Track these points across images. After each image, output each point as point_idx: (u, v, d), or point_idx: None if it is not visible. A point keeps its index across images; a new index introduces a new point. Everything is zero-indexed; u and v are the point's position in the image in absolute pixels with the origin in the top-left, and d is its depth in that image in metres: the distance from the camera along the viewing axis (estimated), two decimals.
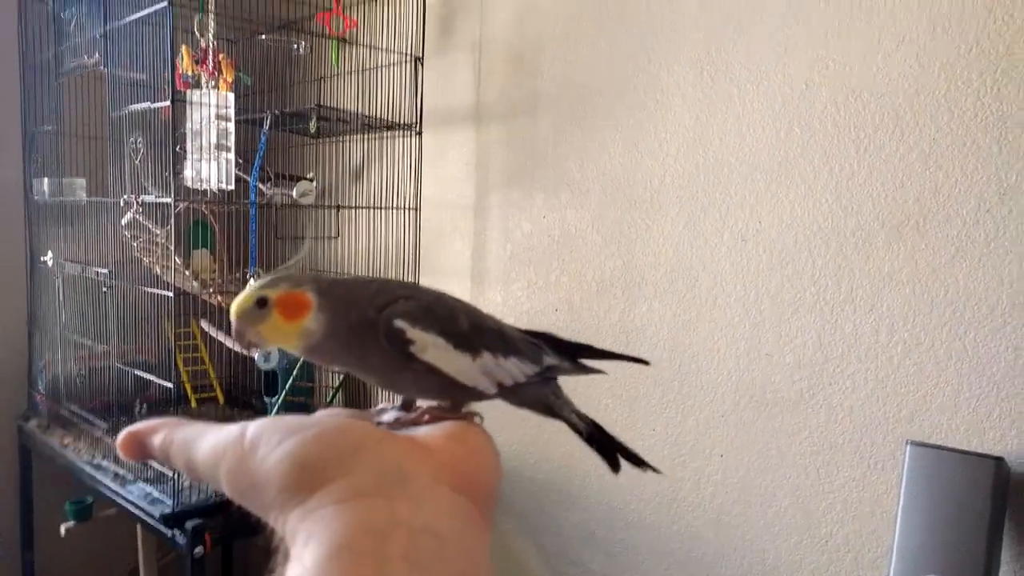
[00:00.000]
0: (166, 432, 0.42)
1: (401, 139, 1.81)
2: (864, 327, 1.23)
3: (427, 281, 1.88)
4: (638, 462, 0.57)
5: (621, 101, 1.52)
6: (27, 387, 2.12)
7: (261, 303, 0.46)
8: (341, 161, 2.02)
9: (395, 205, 1.83)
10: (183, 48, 1.61)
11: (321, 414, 0.42)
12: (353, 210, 1.89)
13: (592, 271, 1.58)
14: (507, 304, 1.74)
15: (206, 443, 0.40)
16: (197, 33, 1.67)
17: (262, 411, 2.04)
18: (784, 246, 1.31)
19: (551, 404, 0.56)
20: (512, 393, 0.52)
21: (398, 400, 0.51)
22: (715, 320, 1.40)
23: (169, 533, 1.51)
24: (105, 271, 1.73)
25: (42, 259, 1.97)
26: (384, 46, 1.81)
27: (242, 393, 2.18)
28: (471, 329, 0.50)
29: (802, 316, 1.30)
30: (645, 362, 0.60)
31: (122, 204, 1.64)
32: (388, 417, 0.47)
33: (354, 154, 2.00)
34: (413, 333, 0.47)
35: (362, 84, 1.86)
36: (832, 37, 1.23)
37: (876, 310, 1.22)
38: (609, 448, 0.57)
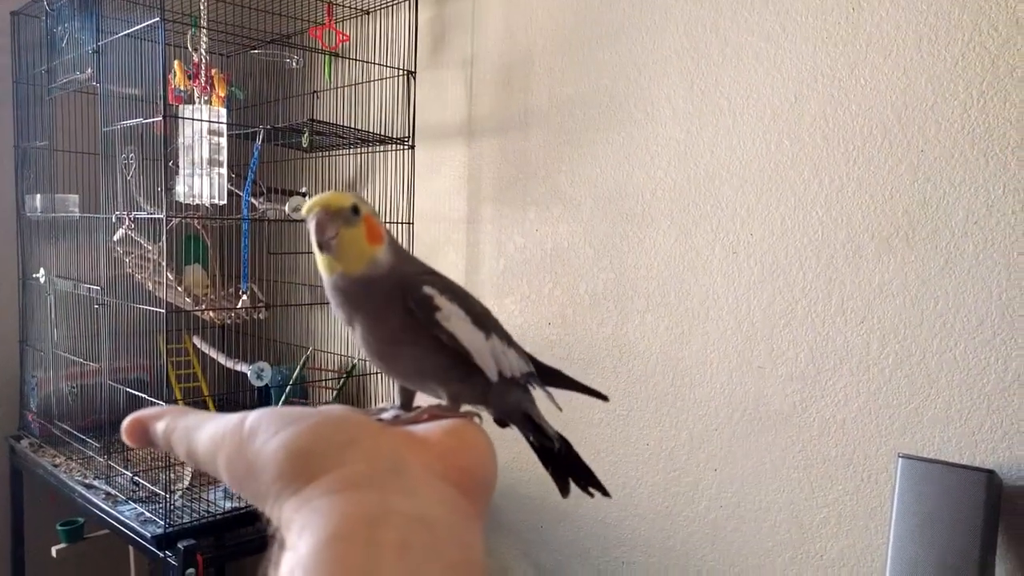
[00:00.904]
0: (169, 419, 0.42)
1: (394, 153, 1.81)
2: (855, 339, 1.23)
3: None
4: (597, 485, 0.58)
5: (611, 115, 1.52)
6: (19, 406, 2.10)
7: (355, 210, 0.47)
8: (334, 175, 2.02)
9: (388, 219, 1.83)
10: (176, 63, 1.61)
11: (321, 407, 0.42)
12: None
13: (585, 284, 1.58)
14: (501, 318, 1.73)
15: (207, 431, 0.40)
16: (190, 48, 1.67)
17: None
18: (775, 258, 1.31)
19: (530, 412, 0.58)
20: (502, 391, 0.54)
21: (398, 402, 0.53)
22: (707, 333, 1.40)
23: (161, 554, 1.49)
24: (97, 288, 1.73)
25: (34, 276, 1.97)
26: (377, 60, 1.82)
27: (235, 410, 2.16)
28: (483, 313, 0.53)
29: (794, 328, 1.29)
30: (604, 397, 0.61)
31: (114, 220, 1.64)
32: (387, 415, 0.48)
33: (347, 168, 2.00)
34: (440, 300, 0.49)
35: (355, 98, 1.87)
36: (820, 50, 1.24)
37: (867, 322, 1.21)
38: (565, 470, 0.59)
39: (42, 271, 1.93)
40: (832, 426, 1.26)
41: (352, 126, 1.79)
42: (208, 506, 1.59)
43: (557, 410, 0.58)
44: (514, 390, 0.55)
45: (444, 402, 0.50)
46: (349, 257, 0.48)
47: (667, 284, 1.45)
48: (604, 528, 1.57)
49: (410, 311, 0.48)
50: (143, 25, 1.51)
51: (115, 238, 1.64)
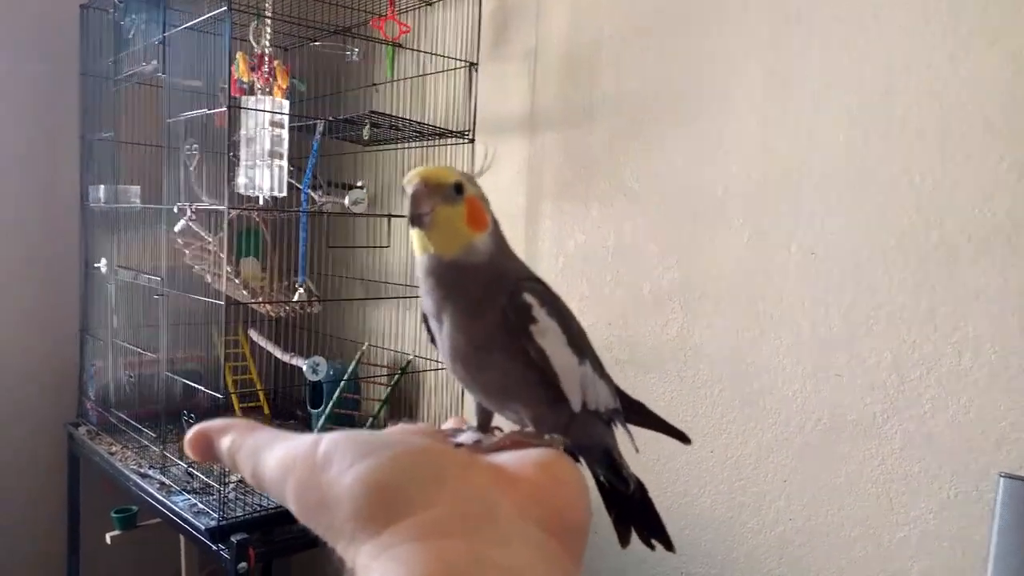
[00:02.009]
0: (235, 435, 0.39)
1: (453, 147, 1.78)
2: (946, 348, 1.15)
3: None
4: (663, 537, 0.53)
5: (682, 108, 1.46)
6: (78, 393, 2.13)
7: (459, 188, 0.44)
8: (393, 169, 2.00)
9: None
10: (239, 55, 1.60)
11: (398, 431, 0.38)
12: (404, 219, 1.86)
13: (649, 284, 1.52)
14: None
15: (276, 453, 0.36)
16: (252, 40, 1.67)
17: (307, 423, 2.02)
18: (858, 260, 1.24)
19: (611, 449, 0.52)
20: (585, 423, 0.49)
21: (475, 423, 0.48)
22: (780, 338, 1.33)
23: (214, 547, 1.49)
24: (157, 278, 1.73)
25: (95, 265, 1.99)
26: (438, 52, 1.79)
27: (288, 404, 2.17)
28: (580, 334, 0.49)
29: (876, 335, 1.22)
30: (687, 440, 0.56)
31: (175, 211, 1.64)
32: (466, 438, 0.43)
33: (406, 162, 1.98)
34: (539, 312, 0.45)
35: (415, 91, 1.84)
36: (916, 38, 1.16)
37: (960, 330, 1.14)
38: (631, 516, 0.53)
39: (104, 261, 1.95)
40: (916, 440, 1.18)
41: (412, 119, 1.77)
42: (260, 499, 1.58)
43: (634, 451, 0.54)
44: (597, 424, 0.51)
45: (527, 427, 0.46)
46: (444, 237, 0.44)
47: (738, 285, 1.39)
48: None
49: (507, 316, 0.45)
50: (209, 16, 1.51)
51: (176, 229, 1.64)
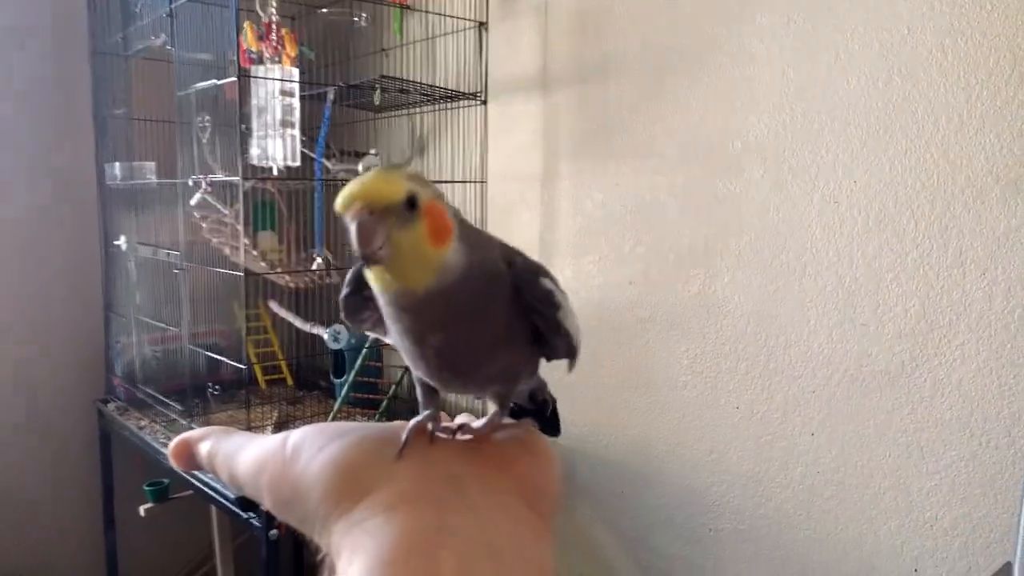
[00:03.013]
0: (212, 441, 0.40)
1: (466, 109, 1.76)
2: (975, 293, 1.13)
3: None
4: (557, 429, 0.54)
5: (698, 59, 1.43)
6: (104, 371, 2.16)
7: (411, 203, 0.35)
8: (405, 135, 1.98)
9: (461, 178, 1.78)
10: (246, 24, 1.59)
11: (367, 423, 0.39)
12: None
13: (669, 241, 1.50)
14: (578, 278, 1.67)
15: (248, 454, 0.38)
16: (259, 10, 1.65)
17: (330, 392, 2.03)
18: (883, 207, 1.21)
19: (543, 385, 0.53)
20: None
21: (427, 410, 0.45)
22: (805, 290, 1.31)
23: (244, 515, 1.51)
24: (176, 253, 1.74)
25: (115, 243, 2.00)
26: (447, 12, 1.76)
27: (311, 374, 2.18)
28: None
29: (903, 283, 1.20)
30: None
31: (191, 184, 1.64)
32: (456, 424, 0.42)
33: (419, 127, 1.96)
34: (559, 296, 0.41)
35: (425, 53, 1.82)
36: None
37: (989, 274, 1.11)
38: (548, 423, 0.54)
39: (123, 238, 1.96)
40: (947, 387, 1.16)
41: (423, 82, 1.74)
42: None
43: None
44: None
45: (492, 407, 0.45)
46: (409, 270, 0.36)
47: (760, 239, 1.37)
48: (689, 494, 1.51)
49: (519, 306, 0.40)
50: None
51: (192, 203, 1.64)
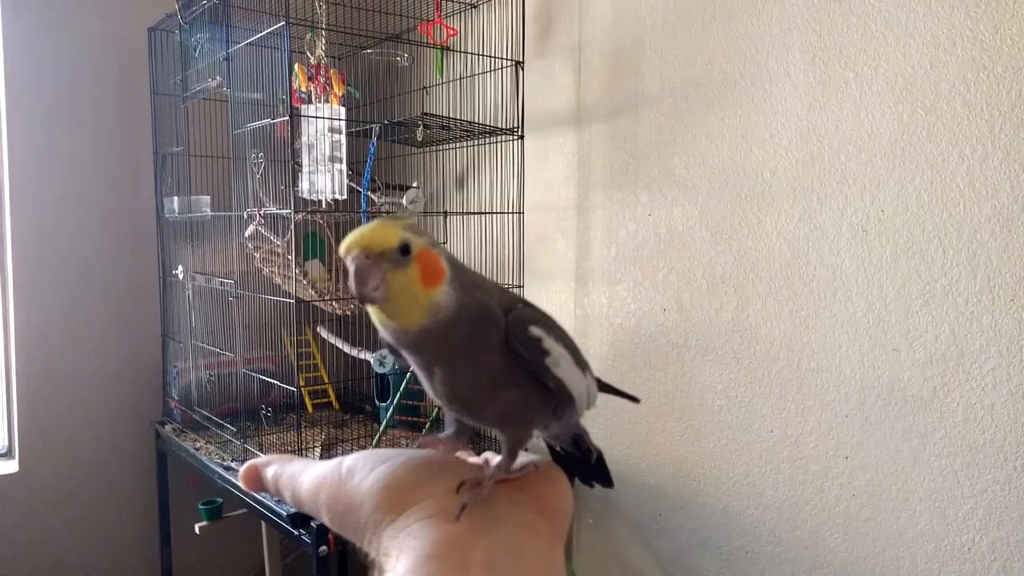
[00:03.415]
0: (277, 466, 0.48)
1: (503, 144, 1.83)
2: (1005, 319, 1.15)
3: (532, 284, 1.89)
4: (607, 481, 0.58)
5: (727, 94, 1.48)
6: (162, 394, 2.27)
7: (405, 249, 0.40)
8: (445, 168, 2.06)
9: (499, 209, 1.85)
10: (297, 66, 1.68)
11: (410, 449, 0.46)
12: (458, 216, 1.92)
13: (702, 269, 1.54)
14: (612, 305, 1.72)
15: (308, 476, 0.45)
16: (308, 51, 1.75)
17: (375, 416, 2.10)
18: (911, 235, 1.24)
19: (582, 432, 0.55)
20: (562, 420, 0.51)
21: (451, 430, 0.50)
22: (835, 315, 1.34)
23: (295, 532, 1.58)
24: (231, 282, 1.84)
25: (173, 272, 2.11)
26: (485, 52, 1.84)
27: (355, 399, 2.25)
28: (575, 346, 0.48)
29: (932, 309, 1.22)
30: (636, 400, 0.59)
31: (245, 217, 1.73)
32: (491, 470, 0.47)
33: (458, 161, 2.04)
34: (549, 344, 0.44)
35: (464, 91, 1.90)
36: (959, 10, 1.16)
37: (1018, 299, 1.13)
38: (593, 474, 0.58)
39: (180, 268, 2.07)
40: (979, 411, 1.18)
41: (462, 118, 1.82)
42: None
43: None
44: (573, 415, 0.51)
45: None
46: (402, 309, 0.40)
47: (790, 266, 1.40)
48: (725, 517, 1.54)
49: (512, 351, 0.43)
50: (269, 30, 1.60)
51: (246, 234, 1.73)
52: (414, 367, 0.45)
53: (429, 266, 0.40)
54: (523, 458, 0.47)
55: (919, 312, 1.24)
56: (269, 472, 0.48)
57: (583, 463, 0.56)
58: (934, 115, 1.19)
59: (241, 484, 0.49)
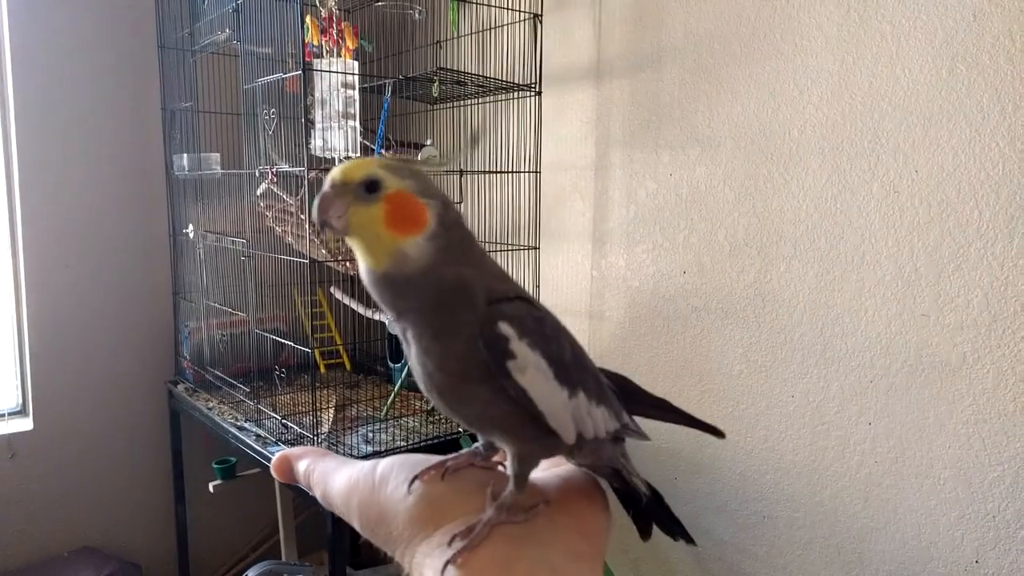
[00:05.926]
0: (310, 460, 0.47)
1: (520, 100, 1.78)
2: None
3: (547, 244, 1.85)
4: (684, 534, 0.52)
5: (754, 48, 1.42)
6: (174, 353, 2.26)
7: (371, 186, 0.38)
8: (460, 126, 2.02)
9: (515, 168, 1.81)
10: (308, 18, 1.63)
11: (447, 457, 0.44)
12: (474, 175, 1.88)
13: (724, 230, 1.51)
14: (630, 267, 1.69)
15: (341, 476, 0.43)
16: (318, 3, 1.69)
17: (387, 377, 2.09)
18: (945, 196, 1.19)
19: (620, 468, 0.49)
20: (590, 450, 0.45)
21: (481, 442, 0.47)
22: (863, 279, 1.31)
23: (308, 490, 1.57)
24: (242, 241, 1.81)
25: (183, 231, 2.09)
26: (501, 5, 1.78)
27: (367, 359, 2.24)
28: (573, 361, 0.43)
29: (965, 273, 1.18)
30: (720, 435, 0.50)
31: (257, 175, 1.70)
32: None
33: (473, 118, 1.99)
34: (517, 346, 0.39)
35: (480, 46, 1.84)
36: None
37: None
38: (649, 515, 0.52)
39: (191, 226, 2.04)
40: (1010, 378, 1.15)
41: (478, 74, 1.77)
42: (348, 450, 1.65)
43: (647, 440, 0.50)
44: (603, 446, 0.46)
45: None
46: (366, 245, 0.39)
47: (817, 228, 1.36)
48: (743, 481, 1.52)
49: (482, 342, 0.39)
50: None
51: (258, 192, 1.70)
52: (399, 336, 0.42)
53: (402, 210, 0.38)
54: (544, 474, 0.45)
55: (951, 276, 1.20)
56: (301, 466, 0.47)
57: (656, 506, 0.50)
58: (975, 70, 1.14)
59: (273, 474, 0.49)
